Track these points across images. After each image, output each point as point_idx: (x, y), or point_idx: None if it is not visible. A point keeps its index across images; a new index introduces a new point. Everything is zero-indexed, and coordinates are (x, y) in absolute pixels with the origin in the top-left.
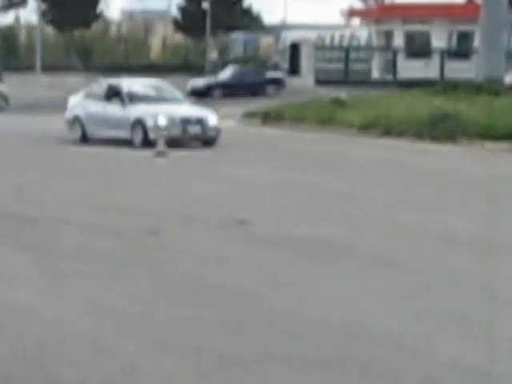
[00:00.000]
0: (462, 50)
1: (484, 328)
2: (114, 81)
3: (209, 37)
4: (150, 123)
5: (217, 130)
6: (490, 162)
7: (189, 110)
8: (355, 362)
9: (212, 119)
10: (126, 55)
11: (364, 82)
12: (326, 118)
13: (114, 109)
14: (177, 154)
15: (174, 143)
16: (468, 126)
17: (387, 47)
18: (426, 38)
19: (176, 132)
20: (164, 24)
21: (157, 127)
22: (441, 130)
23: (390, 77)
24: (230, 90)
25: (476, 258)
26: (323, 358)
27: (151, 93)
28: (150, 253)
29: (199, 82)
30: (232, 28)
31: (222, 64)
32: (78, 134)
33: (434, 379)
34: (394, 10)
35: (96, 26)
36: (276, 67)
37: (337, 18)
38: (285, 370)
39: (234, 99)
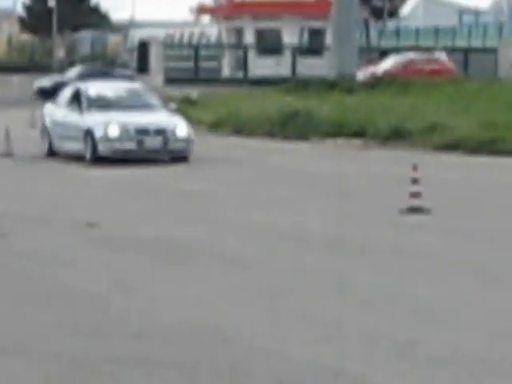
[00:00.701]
0: (313, 46)
1: (337, 328)
2: (81, 84)
3: (55, 35)
4: (98, 134)
5: (187, 142)
6: (341, 160)
7: (152, 118)
8: (207, 363)
9: (181, 130)
10: None
11: (215, 80)
12: None
13: (72, 117)
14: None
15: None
16: (320, 123)
17: (238, 44)
18: (276, 35)
19: (130, 145)
20: (10, 23)
21: (107, 139)
22: (292, 127)
23: (241, 74)
24: None
25: (328, 257)
26: (174, 360)
27: (119, 98)
28: None
29: (45, 81)
30: (79, 26)
31: (69, 63)
32: (45, 147)
33: (288, 380)
34: (244, 7)
35: None
36: (124, 66)
37: (186, 16)
38: (136, 373)
39: None
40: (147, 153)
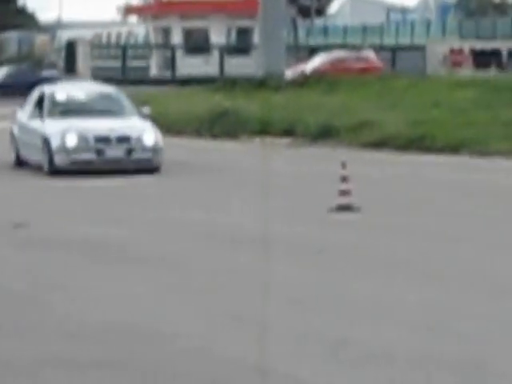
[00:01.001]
0: (241, 45)
1: (265, 327)
2: (48, 87)
3: None
4: (55, 144)
5: (156, 151)
6: (270, 158)
7: (117, 125)
8: (132, 363)
9: (148, 138)
10: None
11: (142, 79)
12: None
13: (34, 124)
14: None
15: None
16: (248, 122)
17: (165, 44)
18: (204, 35)
19: (89, 156)
20: None
21: (64, 149)
22: (220, 126)
23: (168, 74)
24: (5, 90)
25: (256, 255)
26: (101, 360)
27: (86, 103)
28: None
29: None
30: (5, 27)
31: None
32: (13, 155)
33: (216, 380)
34: (172, 6)
35: None
36: (52, 66)
37: (114, 16)
38: (59, 373)
39: (10, 99)
40: (108, 163)
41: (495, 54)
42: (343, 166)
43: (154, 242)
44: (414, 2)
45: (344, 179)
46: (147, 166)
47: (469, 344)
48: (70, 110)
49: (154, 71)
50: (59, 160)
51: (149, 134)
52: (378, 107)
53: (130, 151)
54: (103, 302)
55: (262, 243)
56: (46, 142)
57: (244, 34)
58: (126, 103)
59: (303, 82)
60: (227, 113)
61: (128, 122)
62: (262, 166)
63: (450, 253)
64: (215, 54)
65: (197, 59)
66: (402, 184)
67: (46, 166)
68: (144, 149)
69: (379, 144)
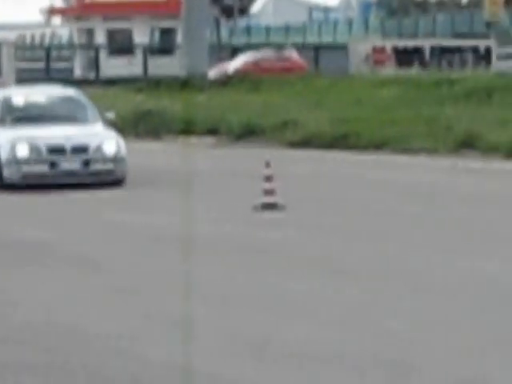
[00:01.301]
0: (165, 46)
1: (190, 327)
2: (3, 91)
3: None
4: (4, 155)
5: (118, 161)
6: (194, 158)
7: (73, 133)
8: (61, 365)
9: (109, 146)
10: None
11: (66, 80)
12: None
13: None
14: None
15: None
16: (172, 122)
17: (89, 45)
18: (128, 35)
19: (41, 168)
20: None
21: (14, 161)
22: (144, 126)
23: (92, 75)
24: None
25: (180, 255)
26: (27, 363)
27: (43, 109)
28: None
29: None
30: None
31: None
32: None
33: (143, 380)
34: (95, 7)
35: None
36: None
37: (37, 17)
38: None
39: None
40: (62, 177)
41: (417, 51)
42: (267, 165)
43: (79, 243)
44: (336, 1)
45: (268, 178)
46: (108, 179)
47: (392, 342)
48: (24, 116)
49: (78, 72)
50: (9, 173)
51: (109, 143)
52: (302, 106)
53: (87, 162)
54: (28, 303)
55: (187, 243)
56: None
57: (167, 34)
58: (89, 108)
59: (226, 81)
60: (151, 113)
61: (88, 129)
62: (186, 166)
63: (371, 251)
64: (139, 55)
65: (120, 60)
66: (326, 182)
67: None
68: (104, 159)
69: (303, 143)
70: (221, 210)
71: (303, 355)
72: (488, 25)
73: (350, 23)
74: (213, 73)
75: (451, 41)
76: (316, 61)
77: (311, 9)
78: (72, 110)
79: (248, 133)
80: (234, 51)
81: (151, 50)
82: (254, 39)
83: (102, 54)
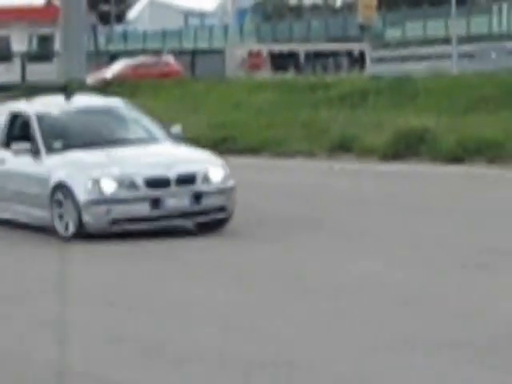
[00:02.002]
0: (43, 52)
1: (81, 329)
2: (19, 105)
3: None
4: (82, 195)
5: (228, 192)
6: None
7: (167, 158)
8: None
9: (216, 174)
10: None
11: None
12: None
13: (20, 163)
14: None
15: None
16: None
17: None
18: (5, 42)
19: (140, 208)
20: None
21: (100, 201)
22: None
23: None
24: None
25: (68, 260)
26: None
27: (104, 127)
28: None
29: None
30: None
31: None
32: None
33: (30, 381)
34: None
35: None
36: None
37: None
38: None
39: None
40: (169, 218)
41: (292, 56)
42: None
43: None
44: (212, 6)
45: None
46: (219, 218)
47: (280, 344)
48: (73, 138)
49: None
50: (92, 218)
51: (215, 169)
52: (180, 111)
53: (197, 196)
54: None
55: (71, 244)
56: (61, 191)
57: (45, 41)
58: (150, 122)
59: (104, 87)
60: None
61: (172, 151)
62: None
63: (257, 254)
64: (17, 62)
65: None
66: None
67: (62, 229)
68: (214, 192)
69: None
70: None
71: (192, 358)
72: (362, 28)
73: (225, 28)
74: (91, 79)
75: (325, 45)
76: (192, 66)
77: (187, 14)
78: (135, 127)
79: None
80: (112, 57)
81: (29, 57)
82: (132, 45)
83: None
